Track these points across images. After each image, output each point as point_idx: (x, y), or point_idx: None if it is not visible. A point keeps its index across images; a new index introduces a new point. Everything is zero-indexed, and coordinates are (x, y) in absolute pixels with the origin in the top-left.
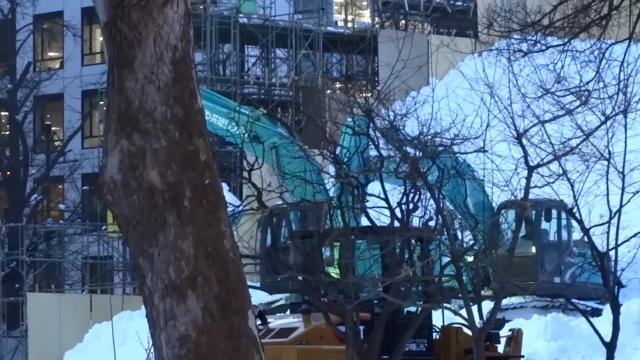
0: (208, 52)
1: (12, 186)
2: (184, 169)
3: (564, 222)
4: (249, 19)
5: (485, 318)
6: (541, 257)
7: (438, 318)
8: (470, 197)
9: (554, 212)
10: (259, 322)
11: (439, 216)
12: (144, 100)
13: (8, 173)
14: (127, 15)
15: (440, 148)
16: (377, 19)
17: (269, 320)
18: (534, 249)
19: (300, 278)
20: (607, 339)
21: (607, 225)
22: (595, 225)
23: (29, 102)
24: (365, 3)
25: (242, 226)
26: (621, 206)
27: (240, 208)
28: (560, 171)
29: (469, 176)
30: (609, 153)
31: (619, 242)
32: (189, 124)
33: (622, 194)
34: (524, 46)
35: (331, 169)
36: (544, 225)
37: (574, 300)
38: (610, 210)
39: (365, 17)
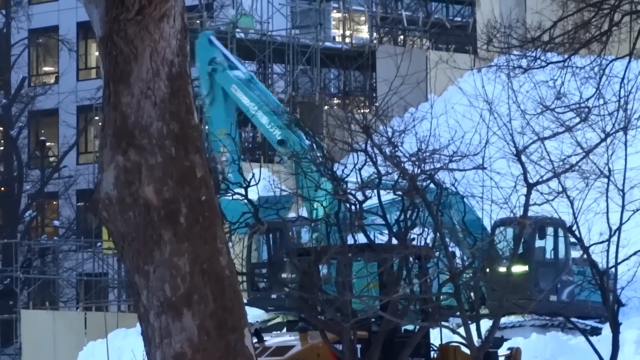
0: None
1: (6, 202)
2: (180, 185)
3: (562, 239)
4: (246, 34)
5: (483, 337)
6: (535, 275)
7: (436, 336)
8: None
9: (550, 230)
10: (255, 340)
11: (437, 233)
12: (140, 115)
13: (2, 189)
14: (123, 30)
15: (439, 165)
16: (375, 34)
17: (265, 338)
18: (527, 267)
19: (296, 295)
20: (607, 358)
21: (606, 243)
22: (595, 244)
23: (24, 117)
24: (363, 18)
25: (238, 243)
26: (621, 224)
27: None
28: (560, 189)
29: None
30: (609, 170)
31: (619, 260)
32: (186, 139)
33: (622, 212)
34: (524, 62)
35: (328, 185)
36: (542, 243)
37: (573, 319)
38: (610, 228)
39: (363, 32)
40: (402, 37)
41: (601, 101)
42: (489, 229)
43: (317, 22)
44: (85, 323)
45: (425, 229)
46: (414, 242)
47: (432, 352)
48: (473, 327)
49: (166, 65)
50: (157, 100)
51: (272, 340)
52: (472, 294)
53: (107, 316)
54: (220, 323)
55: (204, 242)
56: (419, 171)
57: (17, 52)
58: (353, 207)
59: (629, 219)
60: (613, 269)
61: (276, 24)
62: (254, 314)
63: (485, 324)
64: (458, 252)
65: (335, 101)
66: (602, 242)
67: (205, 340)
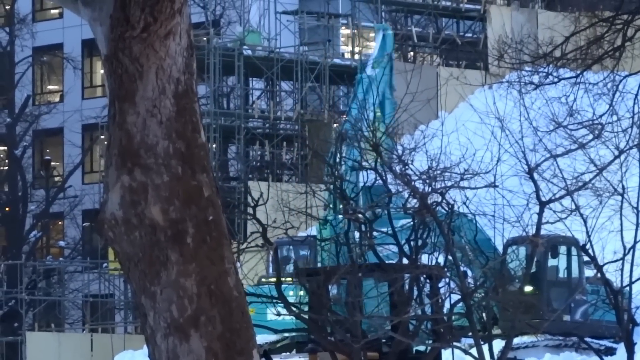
0: (212, 85)
1: (11, 223)
2: (187, 205)
3: (575, 258)
4: (254, 51)
5: (496, 357)
6: (548, 295)
7: (448, 357)
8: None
9: (563, 249)
10: None
11: (448, 253)
12: (145, 134)
13: (7, 209)
14: (129, 48)
15: (450, 183)
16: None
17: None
18: (540, 287)
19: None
20: None
21: (621, 261)
22: (609, 262)
23: (28, 137)
24: (372, 35)
25: (247, 263)
26: (635, 242)
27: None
28: (573, 206)
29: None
30: (623, 188)
31: (634, 279)
32: (192, 159)
33: (636, 230)
34: (536, 78)
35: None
36: (555, 262)
37: (587, 339)
38: (625, 247)
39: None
40: (412, 53)
41: (614, 118)
42: (500, 248)
43: (325, 38)
44: (91, 345)
45: (437, 248)
46: (425, 262)
47: None
48: (485, 347)
49: (172, 83)
50: (163, 119)
51: None
52: (484, 314)
53: (113, 338)
54: (228, 345)
55: (211, 262)
56: (429, 189)
57: (21, 71)
58: (363, 227)
59: None
60: (627, 288)
61: (284, 40)
62: (263, 336)
63: (498, 345)
64: (469, 272)
65: (345, 119)
66: (616, 260)
67: None
